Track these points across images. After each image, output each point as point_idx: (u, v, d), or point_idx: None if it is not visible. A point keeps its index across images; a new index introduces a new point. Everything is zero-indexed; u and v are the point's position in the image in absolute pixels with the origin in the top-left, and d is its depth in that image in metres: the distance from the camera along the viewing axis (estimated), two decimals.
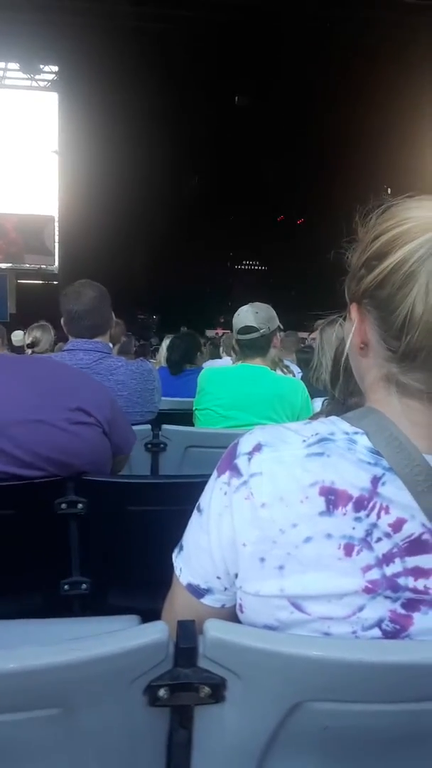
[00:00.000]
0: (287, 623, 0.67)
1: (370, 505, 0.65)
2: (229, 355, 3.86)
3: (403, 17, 11.81)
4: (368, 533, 0.65)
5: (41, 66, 15.00)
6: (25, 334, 4.97)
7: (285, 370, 2.85)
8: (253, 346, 2.32)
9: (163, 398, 2.35)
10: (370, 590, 0.65)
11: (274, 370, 2.40)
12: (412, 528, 0.65)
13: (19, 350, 5.23)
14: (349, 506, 0.65)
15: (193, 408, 2.42)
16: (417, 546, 0.65)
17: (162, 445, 2.07)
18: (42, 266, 16.45)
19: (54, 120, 15.55)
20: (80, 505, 1.39)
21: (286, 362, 3.46)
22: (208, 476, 0.75)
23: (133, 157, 13.52)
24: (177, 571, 0.76)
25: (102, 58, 12.61)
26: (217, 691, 0.64)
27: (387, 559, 0.65)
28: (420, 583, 0.65)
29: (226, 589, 0.73)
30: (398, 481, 0.65)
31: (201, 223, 14.51)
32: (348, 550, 0.65)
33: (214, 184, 14.66)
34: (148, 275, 15.00)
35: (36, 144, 15.77)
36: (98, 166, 13.87)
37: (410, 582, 0.65)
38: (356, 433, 0.68)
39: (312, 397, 2.33)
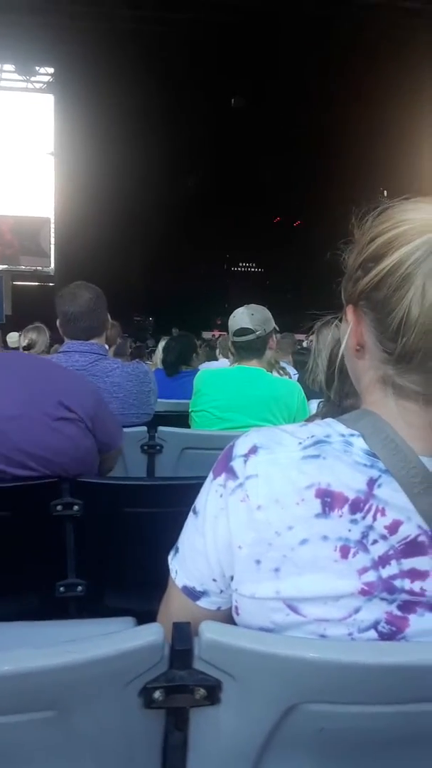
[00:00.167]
0: (283, 625, 0.67)
1: (366, 507, 0.65)
2: (226, 357, 3.86)
3: (401, 17, 11.85)
4: (364, 535, 0.65)
5: (37, 68, 14.98)
6: (20, 335, 4.96)
7: (281, 371, 2.85)
8: (249, 348, 2.32)
9: (159, 400, 2.35)
10: (366, 592, 0.65)
11: (270, 372, 2.40)
12: (408, 530, 0.65)
13: (14, 352, 5.22)
14: (345, 508, 0.65)
15: (189, 410, 2.42)
16: (413, 548, 0.65)
17: (158, 447, 2.07)
18: (38, 268, 16.45)
19: (50, 122, 15.56)
20: (76, 507, 1.39)
21: (283, 364, 3.46)
22: (205, 478, 0.74)
23: (129, 158, 13.53)
24: (172, 574, 0.76)
25: (98, 60, 12.62)
26: (213, 693, 0.64)
27: (383, 561, 0.65)
28: (416, 585, 0.65)
29: (221, 591, 0.73)
30: (394, 483, 0.65)
31: (198, 224, 14.53)
32: (344, 552, 0.65)
33: (211, 185, 14.68)
34: (144, 277, 15.01)
35: (32, 146, 15.80)
36: (94, 168, 13.87)
37: (406, 584, 0.65)
38: (352, 435, 0.68)
39: (308, 399, 2.33)
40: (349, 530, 0.65)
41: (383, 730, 0.68)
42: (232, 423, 2.25)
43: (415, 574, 0.65)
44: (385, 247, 0.67)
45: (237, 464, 0.70)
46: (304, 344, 6.12)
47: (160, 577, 0.78)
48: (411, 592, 0.65)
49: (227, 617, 0.73)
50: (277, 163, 14.40)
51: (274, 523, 0.66)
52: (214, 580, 0.72)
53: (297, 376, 3.37)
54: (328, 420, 0.72)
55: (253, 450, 0.70)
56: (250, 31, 12.23)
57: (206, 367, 3.58)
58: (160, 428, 2.08)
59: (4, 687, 0.59)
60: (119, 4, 11.89)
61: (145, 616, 0.76)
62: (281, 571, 0.66)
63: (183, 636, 0.64)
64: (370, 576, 0.65)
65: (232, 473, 0.70)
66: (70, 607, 1.46)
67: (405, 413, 0.68)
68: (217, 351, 5.14)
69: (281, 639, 0.65)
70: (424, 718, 0.66)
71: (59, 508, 1.39)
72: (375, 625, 0.66)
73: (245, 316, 2.31)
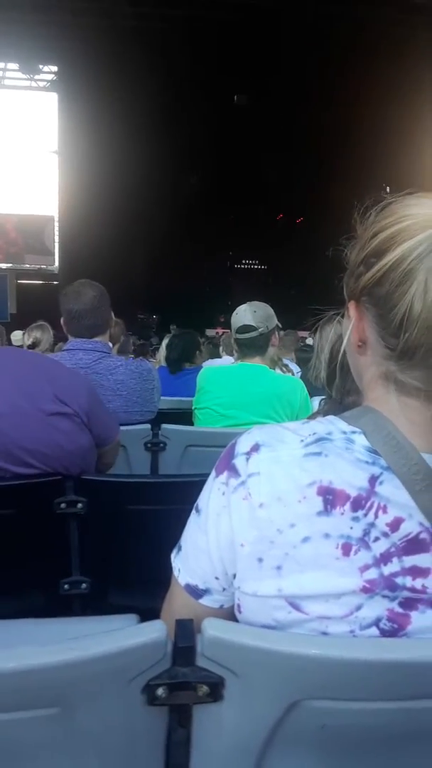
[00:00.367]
0: (285, 623, 0.67)
1: (368, 504, 0.65)
2: (230, 354, 3.86)
3: (402, 15, 11.81)
4: (366, 533, 0.65)
5: (41, 66, 14.99)
6: (24, 334, 4.96)
7: (284, 368, 2.85)
8: (251, 345, 2.32)
9: (162, 397, 2.35)
10: (368, 590, 0.65)
11: (273, 369, 2.40)
12: (410, 527, 0.65)
13: None
14: (347, 506, 0.65)
15: (193, 407, 2.42)
16: (415, 545, 0.65)
17: (161, 445, 2.07)
18: (42, 266, 16.45)
19: (54, 120, 15.55)
20: (80, 505, 1.40)
21: (286, 361, 3.46)
22: (208, 475, 0.74)
23: (132, 156, 13.52)
24: (175, 572, 0.76)
25: (101, 58, 12.61)
26: (216, 690, 0.65)
27: (385, 558, 0.65)
28: (418, 583, 0.65)
29: (224, 589, 0.73)
30: (396, 480, 0.65)
31: (200, 222, 14.51)
32: (346, 549, 0.65)
33: (214, 183, 14.66)
34: (147, 275, 15.00)
35: (36, 144, 15.78)
36: (98, 166, 13.87)
37: (408, 581, 0.65)
38: (354, 432, 0.68)
39: (311, 396, 2.33)
40: (351, 528, 0.65)
41: (385, 727, 0.68)
42: (235, 420, 2.25)
43: (416, 572, 0.65)
44: (387, 243, 0.67)
45: (239, 462, 0.70)
46: (308, 341, 6.11)
47: (164, 575, 0.78)
48: (412, 590, 0.65)
49: (230, 615, 0.73)
50: (279, 161, 14.37)
51: (276, 521, 0.66)
52: (217, 578, 0.72)
53: (300, 373, 3.37)
54: (330, 417, 0.72)
55: (255, 448, 0.70)
56: (252, 29, 12.21)
57: (209, 365, 3.58)
58: (164, 426, 2.08)
59: (7, 684, 0.59)
60: (121, 1, 11.87)
61: (149, 613, 0.76)
62: (283, 568, 0.66)
63: (186, 633, 0.65)
64: (372, 573, 0.65)
65: (234, 471, 0.70)
66: (74, 605, 1.46)
67: (407, 410, 0.68)
68: (221, 348, 5.13)
69: (283, 636, 0.65)
70: (425, 714, 0.66)
71: (63, 505, 1.39)
72: (377, 623, 0.66)
73: (248, 314, 2.31)
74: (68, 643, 0.60)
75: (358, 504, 0.65)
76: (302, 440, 0.69)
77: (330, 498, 0.66)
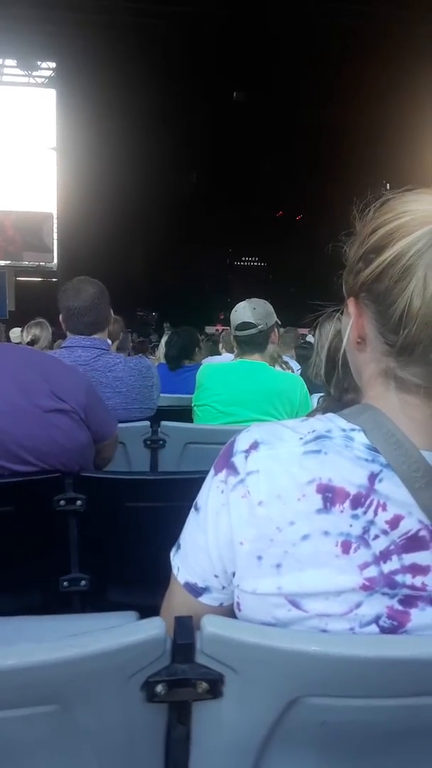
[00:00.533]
0: (285, 621, 0.67)
1: (368, 502, 0.65)
2: (230, 351, 3.86)
3: (402, 11, 11.78)
4: (366, 530, 0.65)
5: (39, 62, 14.95)
6: (23, 331, 4.96)
7: (284, 366, 2.85)
8: (251, 342, 2.32)
9: (161, 394, 2.35)
10: (368, 587, 0.65)
11: (273, 366, 2.40)
12: (410, 525, 0.65)
13: None
14: (347, 503, 0.65)
15: (192, 404, 2.42)
16: (414, 543, 0.65)
17: (161, 442, 2.07)
18: (41, 263, 16.43)
19: (52, 117, 15.50)
20: (79, 502, 1.40)
21: (286, 358, 3.46)
22: (207, 472, 0.74)
23: (131, 153, 13.49)
24: (174, 570, 0.76)
25: (100, 54, 12.57)
26: (215, 687, 0.65)
27: (384, 556, 0.65)
28: (417, 580, 0.65)
29: (223, 587, 0.73)
30: (395, 478, 0.65)
31: (200, 219, 14.49)
32: (345, 547, 0.65)
33: (213, 180, 14.63)
34: (147, 272, 14.99)
35: (34, 141, 15.73)
36: (96, 163, 13.84)
37: (408, 579, 0.65)
38: (353, 429, 0.68)
39: (311, 393, 2.33)
40: (351, 525, 0.65)
41: (385, 724, 0.68)
42: (234, 417, 2.25)
43: (416, 569, 0.65)
44: (386, 239, 0.66)
45: (238, 460, 0.70)
46: (307, 338, 6.11)
47: (164, 572, 0.78)
48: (412, 587, 0.65)
49: (229, 613, 0.73)
50: (278, 158, 14.35)
51: (276, 519, 0.66)
52: (216, 576, 0.72)
53: (300, 370, 3.37)
54: (329, 415, 0.72)
55: (254, 446, 0.70)
56: (250, 25, 12.17)
57: (209, 362, 3.58)
58: (163, 423, 2.08)
59: (6, 681, 0.59)
60: None
61: (148, 610, 0.76)
62: (283, 566, 0.66)
63: (185, 630, 0.65)
64: (372, 571, 0.65)
65: (233, 469, 0.70)
66: (74, 602, 1.46)
67: (406, 407, 0.68)
68: (220, 345, 5.13)
69: (283, 632, 0.65)
70: (425, 711, 0.66)
71: (62, 502, 1.39)
72: (376, 620, 0.66)
73: (247, 311, 2.31)
74: (67, 640, 0.60)
75: (357, 502, 0.65)
76: (301, 438, 0.69)
77: (329, 496, 0.65)
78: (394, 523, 0.65)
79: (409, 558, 0.65)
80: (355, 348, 0.73)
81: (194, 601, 0.74)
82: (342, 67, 12.29)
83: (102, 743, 0.67)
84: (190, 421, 2.38)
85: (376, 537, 0.65)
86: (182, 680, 0.64)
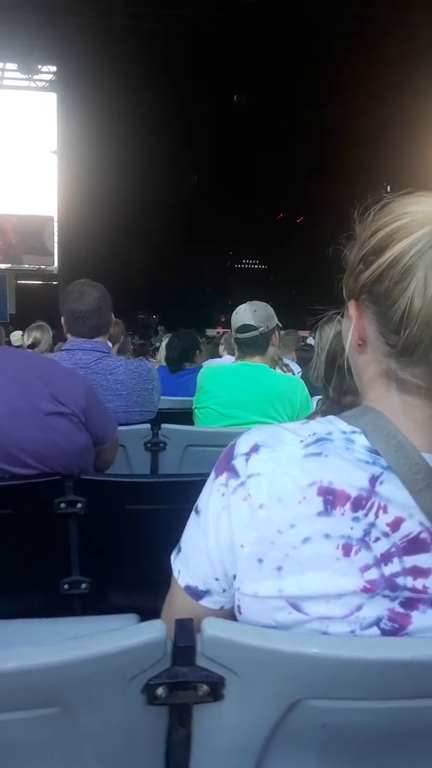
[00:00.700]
0: (285, 624, 0.67)
1: (368, 504, 0.65)
2: (231, 353, 3.86)
3: (402, 13, 11.80)
4: (366, 533, 0.65)
5: (39, 66, 14.99)
6: (24, 334, 4.97)
7: (285, 368, 2.85)
8: (251, 345, 2.32)
9: (162, 397, 2.35)
10: (369, 590, 0.65)
11: (274, 369, 2.40)
12: (411, 527, 0.65)
13: None
14: (347, 506, 0.65)
15: (193, 406, 2.42)
16: (415, 545, 0.65)
17: (162, 444, 2.07)
18: (41, 267, 16.46)
19: (53, 120, 15.55)
20: (79, 505, 1.40)
21: (286, 360, 3.46)
22: (208, 475, 0.74)
23: (131, 156, 13.52)
24: (175, 573, 0.76)
25: (100, 58, 12.60)
26: (216, 690, 0.64)
27: (385, 558, 0.65)
28: (419, 583, 0.65)
29: (224, 590, 0.72)
30: (396, 480, 0.65)
31: (200, 222, 14.52)
32: (346, 550, 0.65)
33: (214, 182, 14.66)
34: (147, 275, 15.01)
35: (35, 145, 15.78)
36: (97, 166, 13.87)
37: (409, 582, 0.65)
38: (354, 432, 0.68)
39: (312, 395, 2.33)
40: (351, 528, 0.65)
41: (386, 726, 0.68)
42: (235, 420, 2.25)
43: (417, 572, 0.65)
44: (386, 240, 0.67)
45: (239, 463, 0.70)
46: (308, 341, 6.11)
47: (164, 575, 0.78)
48: (413, 590, 0.65)
49: (230, 616, 0.73)
50: (279, 160, 14.38)
51: (276, 522, 0.66)
52: (217, 579, 0.72)
53: (300, 372, 3.37)
54: (330, 417, 0.72)
55: (255, 448, 0.70)
56: (251, 28, 12.19)
57: (210, 364, 3.58)
58: (164, 425, 2.08)
59: (7, 684, 0.59)
60: (119, 1, 11.87)
61: (149, 613, 0.75)
62: (283, 569, 0.66)
63: (186, 632, 0.65)
64: (373, 574, 0.65)
65: (233, 472, 0.70)
66: (74, 605, 1.46)
67: (407, 408, 0.68)
68: (222, 348, 5.13)
69: (283, 635, 0.65)
70: (426, 713, 0.66)
71: (63, 505, 1.39)
72: (377, 623, 0.65)
73: (248, 313, 2.31)
74: (68, 642, 0.60)
75: (358, 504, 0.65)
76: (302, 440, 0.69)
77: (330, 498, 0.65)
78: (395, 525, 0.65)
79: (410, 560, 0.65)
80: (356, 350, 0.73)
81: (195, 604, 0.74)
82: (342, 69, 12.32)
83: (103, 746, 0.67)
84: (191, 423, 2.38)
85: (377, 539, 0.65)
86: (183, 683, 0.64)
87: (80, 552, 1.45)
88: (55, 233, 16.15)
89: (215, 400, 2.31)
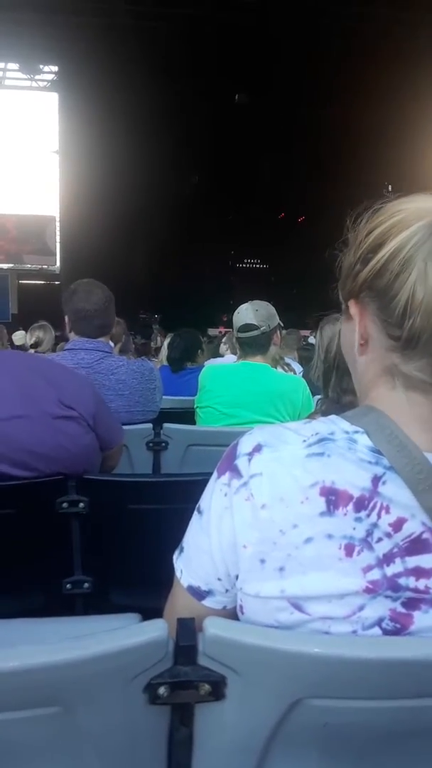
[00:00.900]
0: (288, 624, 0.67)
1: (371, 504, 0.65)
2: (234, 353, 3.86)
3: (402, 12, 11.79)
4: (369, 533, 0.65)
5: (41, 66, 15.00)
6: (26, 334, 4.98)
7: (286, 367, 2.86)
8: (253, 344, 2.32)
9: (164, 397, 2.35)
10: (371, 590, 0.65)
11: (275, 368, 2.40)
12: (413, 527, 0.65)
13: (20, 350, 5.24)
14: (350, 506, 0.65)
15: (195, 406, 2.42)
16: (417, 545, 0.65)
17: (163, 444, 2.08)
18: (43, 266, 16.47)
19: (54, 120, 15.56)
20: (82, 504, 1.40)
21: (288, 360, 3.46)
22: (210, 474, 0.74)
23: (133, 156, 13.52)
24: (178, 573, 0.76)
25: (101, 58, 12.60)
26: (218, 689, 0.64)
27: (387, 559, 0.65)
28: (421, 583, 0.65)
29: (227, 590, 0.72)
30: (399, 480, 0.65)
31: (202, 221, 14.52)
32: (349, 550, 0.65)
33: (215, 182, 14.66)
34: (149, 274, 15.02)
35: (36, 144, 15.78)
36: (99, 166, 13.87)
37: (411, 582, 0.65)
38: (356, 431, 0.68)
39: (313, 395, 2.33)
40: (354, 528, 0.65)
41: (387, 725, 0.68)
42: (237, 419, 2.25)
43: (419, 572, 0.65)
44: (383, 236, 0.68)
45: (241, 463, 0.70)
46: (309, 340, 6.11)
47: (166, 574, 0.78)
48: (415, 590, 0.65)
49: (233, 616, 0.73)
50: (281, 159, 14.37)
51: (279, 522, 0.66)
52: (219, 579, 0.72)
53: (302, 372, 3.37)
54: (332, 417, 0.72)
55: (258, 448, 0.70)
56: (251, 28, 12.19)
57: (211, 364, 3.58)
58: (166, 425, 2.08)
59: (8, 683, 0.59)
60: (120, 0, 11.87)
61: (151, 612, 0.75)
62: (286, 569, 0.66)
63: (187, 632, 0.65)
64: (375, 574, 0.65)
65: (236, 472, 0.70)
66: (76, 604, 1.46)
67: (412, 405, 0.68)
68: (225, 347, 5.13)
69: (285, 634, 0.65)
70: (427, 712, 0.66)
71: (65, 505, 1.39)
72: (379, 623, 0.65)
73: (249, 312, 2.31)
74: (69, 642, 0.60)
75: (360, 504, 0.65)
76: (304, 440, 0.68)
77: (333, 498, 0.65)
78: (398, 525, 0.65)
79: (413, 561, 0.65)
80: (357, 351, 0.73)
81: (197, 604, 0.74)
82: (342, 69, 12.31)
83: (104, 745, 0.67)
84: (193, 423, 2.38)
85: (380, 540, 0.65)
86: (184, 682, 0.64)
87: (82, 551, 1.45)
88: (57, 233, 16.16)
89: (217, 399, 2.31)
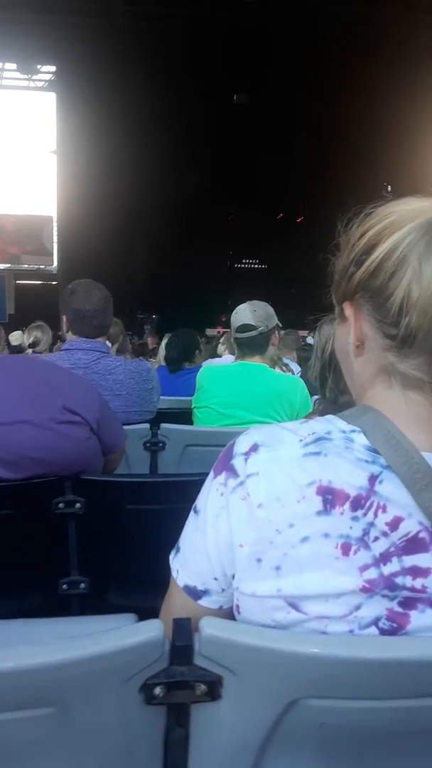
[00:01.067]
0: (284, 623, 0.67)
1: (368, 503, 0.65)
2: (232, 353, 3.86)
3: (402, 13, 11.81)
4: (365, 532, 0.65)
5: (38, 66, 14.97)
6: (23, 334, 4.97)
7: (284, 368, 2.86)
8: (251, 345, 2.32)
9: (161, 397, 2.35)
10: (368, 590, 0.65)
11: (273, 368, 2.40)
12: (410, 526, 0.65)
13: (17, 350, 5.23)
14: (347, 505, 0.65)
15: (192, 406, 2.42)
16: (414, 544, 0.65)
17: (161, 444, 2.08)
18: (41, 267, 16.45)
19: (52, 120, 15.54)
20: (78, 505, 1.39)
21: (286, 360, 3.46)
22: (207, 475, 0.74)
23: (131, 156, 13.52)
24: (174, 573, 0.76)
25: (99, 58, 12.61)
26: (214, 689, 0.64)
27: (384, 558, 0.65)
28: (418, 582, 0.65)
29: (223, 590, 0.72)
30: (396, 479, 0.65)
31: (200, 221, 14.51)
32: (345, 549, 0.65)
33: (214, 182, 14.65)
34: (147, 274, 15.01)
35: (34, 144, 15.76)
36: (97, 166, 13.87)
37: (408, 581, 0.65)
38: (353, 431, 0.68)
39: (311, 395, 2.33)
40: (351, 527, 0.65)
41: (384, 725, 0.68)
42: (234, 419, 2.25)
43: (416, 571, 0.65)
44: (376, 238, 0.68)
45: (238, 462, 0.70)
46: (308, 340, 6.11)
47: (163, 574, 0.78)
48: (412, 589, 0.65)
49: (229, 616, 0.73)
50: (279, 160, 14.38)
51: (275, 521, 0.66)
52: (216, 579, 0.72)
53: (300, 372, 3.37)
54: (329, 416, 0.72)
55: (254, 448, 0.70)
56: (250, 27, 12.20)
57: (209, 364, 3.58)
58: (163, 425, 2.08)
59: (4, 684, 0.59)
60: (119, 0, 11.88)
61: (148, 613, 0.75)
62: (282, 569, 0.66)
63: (183, 632, 0.64)
64: (372, 573, 0.65)
65: (232, 472, 0.70)
66: (73, 605, 1.46)
67: (409, 404, 0.68)
68: (223, 347, 5.12)
69: (281, 634, 0.65)
70: (425, 712, 0.66)
71: (61, 505, 1.39)
72: (376, 622, 0.65)
73: (247, 313, 2.31)
74: (65, 642, 0.60)
75: (357, 503, 0.65)
76: (301, 440, 0.69)
77: (329, 498, 0.65)
78: (394, 524, 0.65)
79: (409, 560, 0.65)
80: (352, 353, 0.74)
81: (194, 604, 0.74)
82: (342, 69, 12.33)
83: (100, 745, 0.67)
84: (190, 423, 2.38)
85: (376, 539, 0.65)
86: (180, 682, 0.64)
87: (79, 552, 1.45)
88: (55, 233, 16.14)
89: (214, 399, 2.31)
